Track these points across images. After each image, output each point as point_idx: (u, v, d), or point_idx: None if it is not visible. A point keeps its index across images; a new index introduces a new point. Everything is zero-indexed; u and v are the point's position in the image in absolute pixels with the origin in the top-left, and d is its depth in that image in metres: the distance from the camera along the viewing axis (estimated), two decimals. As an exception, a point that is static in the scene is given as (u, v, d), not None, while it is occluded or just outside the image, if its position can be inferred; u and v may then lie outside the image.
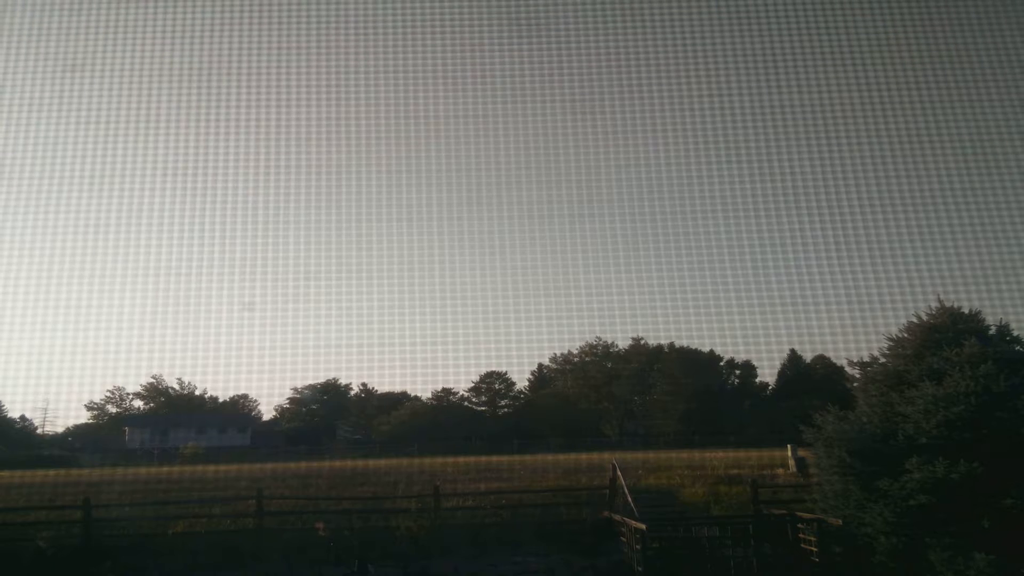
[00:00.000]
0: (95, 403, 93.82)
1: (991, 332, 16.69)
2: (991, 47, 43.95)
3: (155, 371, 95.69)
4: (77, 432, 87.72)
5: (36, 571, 18.42)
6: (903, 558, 14.63)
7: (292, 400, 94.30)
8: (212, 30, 49.31)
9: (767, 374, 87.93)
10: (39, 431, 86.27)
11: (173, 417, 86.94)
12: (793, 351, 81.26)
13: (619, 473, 22.58)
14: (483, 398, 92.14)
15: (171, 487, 28.70)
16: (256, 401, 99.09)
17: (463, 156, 68.17)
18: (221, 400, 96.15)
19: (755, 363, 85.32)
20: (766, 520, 18.90)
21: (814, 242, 54.16)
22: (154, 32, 51.96)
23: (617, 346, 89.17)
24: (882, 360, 17.68)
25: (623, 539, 18.74)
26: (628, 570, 17.60)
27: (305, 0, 53.96)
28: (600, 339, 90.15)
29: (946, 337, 16.22)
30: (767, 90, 58.86)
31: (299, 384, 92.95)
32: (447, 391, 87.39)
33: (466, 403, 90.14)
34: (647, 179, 71.13)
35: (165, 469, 41.44)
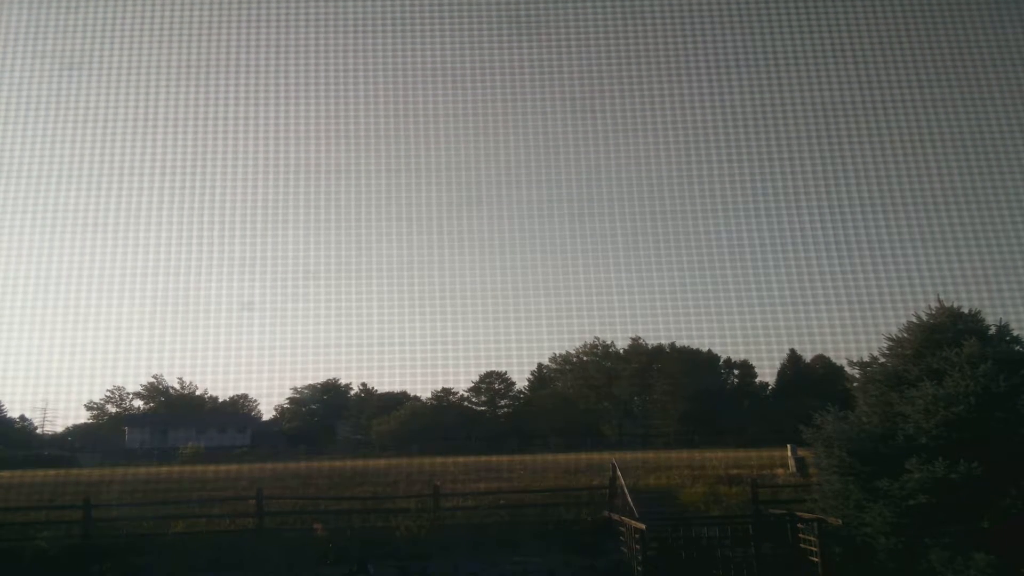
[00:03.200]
0: (95, 403, 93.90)
1: (991, 332, 16.67)
2: (992, 45, 43.99)
3: (155, 371, 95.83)
4: (77, 432, 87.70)
5: (36, 571, 18.42)
6: (903, 558, 14.64)
7: (292, 400, 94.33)
8: (210, 28, 49.30)
9: (767, 374, 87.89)
10: (39, 431, 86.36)
11: (173, 417, 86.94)
12: (793, 351, 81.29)
13: (619, 473, 22.57)
14: (483, 398, 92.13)
15: (171, 487, 28.69)
16: (256, 401, 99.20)
17: (462, 155, 68.16)
18: (221, 400, 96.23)
19: (755, 363, 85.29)
20: (766, 520, 18.88)
21: (814, 241, 54.27)
22: (152, 30, 51.94)
23: (616, 346, 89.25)
24: (882, 360, 17.66)
25: (623, 539, 18.74)
26: (628, 570, 17.58)
27: None
28: (599, 339, 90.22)
29: (946, 337, 16.22)
30: (767, 88, 58.89)
31: (299, 384, 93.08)
32: (447, 391, 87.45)
33: (466, 403, 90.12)
34: (647, 178, 71.14)
35: (165, 469, 41.42)
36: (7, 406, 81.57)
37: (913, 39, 44.80)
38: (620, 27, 53.83)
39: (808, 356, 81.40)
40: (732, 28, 56.89)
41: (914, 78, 45.30)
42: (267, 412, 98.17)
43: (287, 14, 53.79)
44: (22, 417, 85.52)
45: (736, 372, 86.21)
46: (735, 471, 27.92)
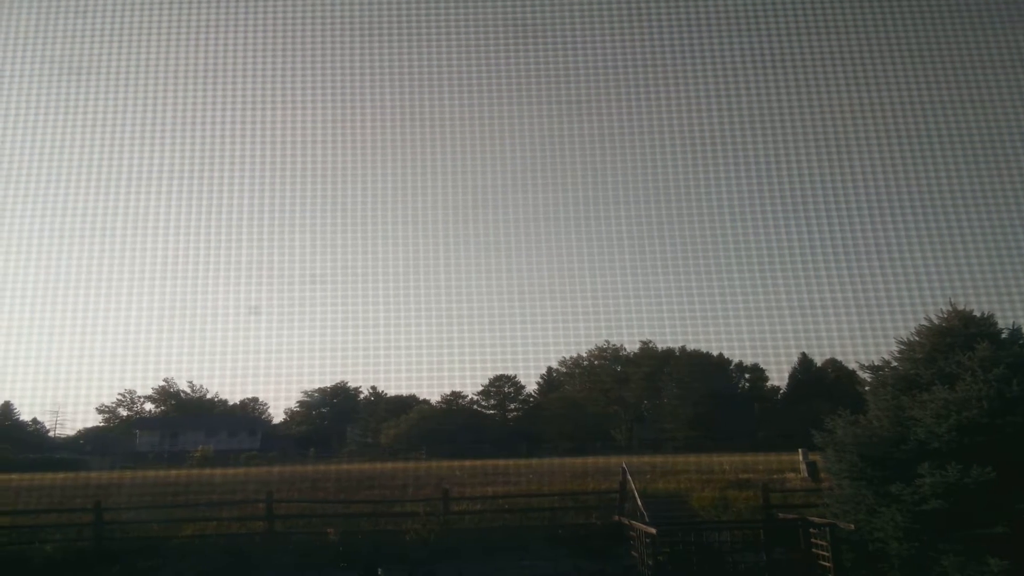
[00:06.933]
0: (106, 406, 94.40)
1: (1003, 336, 16.53)
2: (1003, 48, 43.73)
3: (165, 374, 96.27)
4: (88, 435, 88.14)
5: (47, 574, 18.49)
6: (915, 563, 14.51)
7: (301, 403, 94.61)
8: (218, 33, 49.61)
9: (777, 378, 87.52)
10: (50, 434, 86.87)
11: (183, 420, 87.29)
12: (804, 354, 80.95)
13: (629, 477, 22.48)
14: (492, 401, 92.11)
15: (181, 490, 28.74)
16: (266, 404, 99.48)
17: (470, 159, 68.32)
18: (231, 403, 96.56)
19: (765, 367, 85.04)
20: (777, 525, 18.78)
21: (822, 245, 53.98)
22: (159, 35, 52.32)
23: (626, 350, 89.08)
24: (893, 363, 17.52)
25: (633, 544, 18.66)
26: (638, 575, 17.51)
27: (311, 4, 54.26)
28: (609, 343, 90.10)
29: (958, 341, 16.09)
30: (774, 93, 58.66)
31: (308, 387, 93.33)
32: (456, 394, 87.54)
33: (475, 407, 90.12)
34: (654, 182, 70.99)
35: (175, 472, 41.51)
36: (19, 409, 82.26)
37: (922, 40, 44.58)
38: (626, 32, 53.82)
39: (819, 360, 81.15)
40: (738, 31, 56.80)
41: (923, 79, 45.06)
42: (277, 415, 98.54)
43: (293, 19, 54.07)
44: (34, 420, 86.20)
45: (747, 376, 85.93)
46: (746, 475, 27.79)
